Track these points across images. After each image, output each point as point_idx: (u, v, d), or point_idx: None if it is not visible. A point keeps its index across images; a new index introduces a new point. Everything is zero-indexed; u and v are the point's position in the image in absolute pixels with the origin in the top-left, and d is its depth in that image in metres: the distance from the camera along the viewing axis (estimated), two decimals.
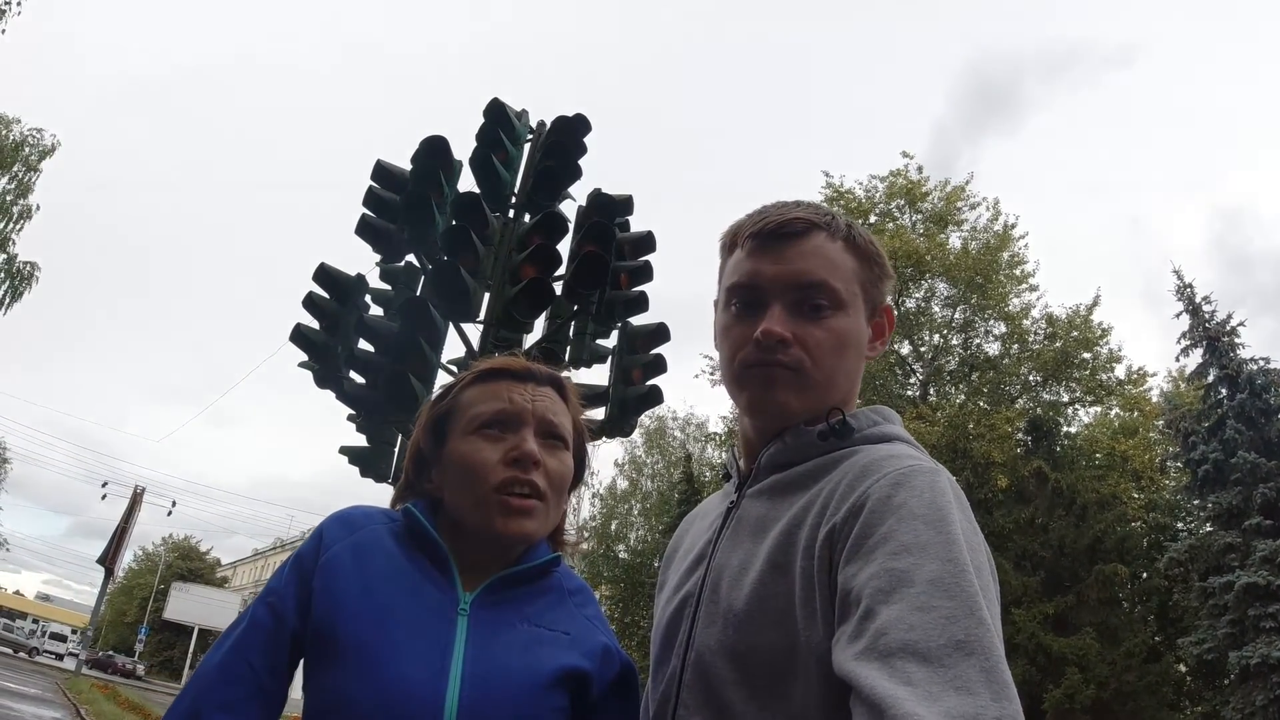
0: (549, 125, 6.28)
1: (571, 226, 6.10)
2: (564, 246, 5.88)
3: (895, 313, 1.29)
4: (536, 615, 1.19)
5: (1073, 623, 17.41)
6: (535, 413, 1.22)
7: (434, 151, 5.71)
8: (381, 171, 5.84)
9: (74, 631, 49.69)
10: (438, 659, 1.09)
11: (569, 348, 6.30)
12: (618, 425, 6.03)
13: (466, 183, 5.99)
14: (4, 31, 14.30)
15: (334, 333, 5.63)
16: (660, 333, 6.11)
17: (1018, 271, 21.82)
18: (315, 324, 5.66)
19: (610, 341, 6.31)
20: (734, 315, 1.18)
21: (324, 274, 5.68)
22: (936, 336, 22.67)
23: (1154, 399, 21.40)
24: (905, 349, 22.44)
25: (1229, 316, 17.70)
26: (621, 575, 27.54)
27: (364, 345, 5.63)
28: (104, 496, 35.95)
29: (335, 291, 5.71)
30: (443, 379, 5.42)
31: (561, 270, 5.77)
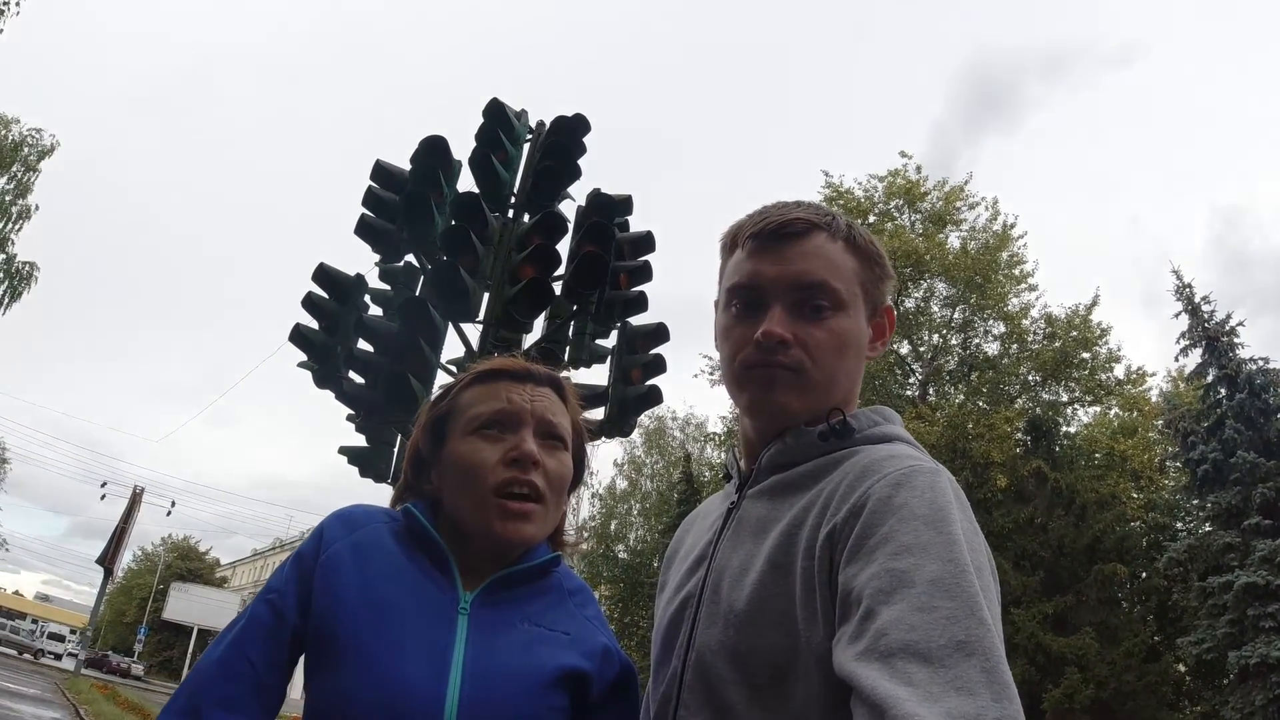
0: (548, 125, 6.28)
1: (571, 226, 6.09)
2: (563, 246, 5.88)
3: (895, 313, 1.29)
4: (537, 615, 1.19)
5: (1072, 622, 17.41)
6: (534, 413, 1.22)
7: (433, 151, 5.70)
8: (381, 171, 5.84)
9: (73, 631, 49.69)
10: (438, 658, 1.09)
11: (568, 348, 6.30)
12: (617, 425, 6.03)
13: (466, 183, 5.99)
14: (1, 31, 14.29)
15: (333, 333, 5.63)
16: (659, 333, 6.11)
17: (1017, 271, 21.82)
18: (314, 324, 5.66)
19: (609, 341, 6.32)
20: (734, 316, 1.18)
21: (323, 274, 5.68)
22: (935, 336, 22.67)
23: (1153, 399, 21.40)
24: (904, 349, 22.44)
25: (1228, 316, 17.71)
26: (621, 575, 27.53)
27: (363, 345, 5.63)
28: (103, 496, 35.99)
29: (334, 291, 5.71)
30: (442, 379, 5.42)
31: (561, 270, 5.77)
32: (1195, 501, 17.87)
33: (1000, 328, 21.90)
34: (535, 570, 1.21)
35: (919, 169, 22.36)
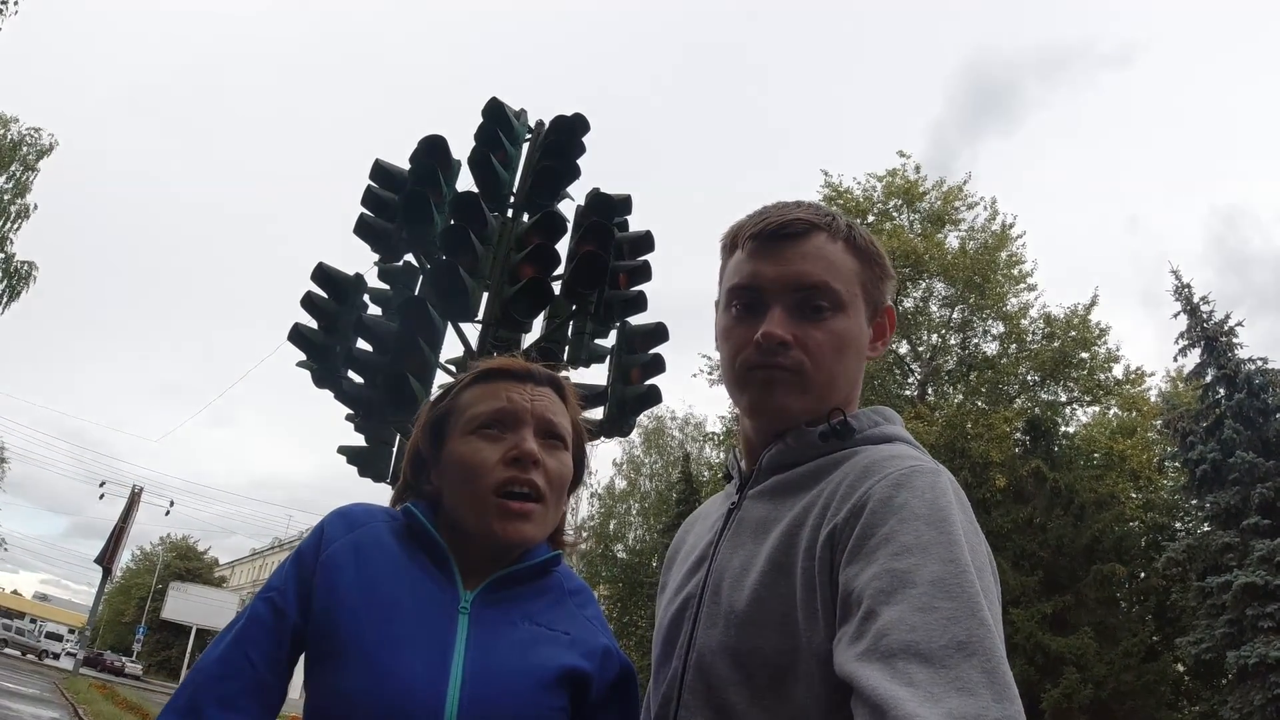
0: (548, 125, 6.27)
1: (570, 226, 6.09)
2: (563, 246, 5.88)
3: (896, 313, 1.29)
4: (537, 614, 1.19)
5: (1071, 622, 17.41)
6: (534, 412, 1.22)
7: (432, 151, 5.70)
8: (380, 171, 5.83)
9: (71, 631, 49.66)
10: (438, 657, 1.08)
11: (568, 347, 6.29)
12: (616, 425, 6.02)
13: (465, 182, 5.99)
14: (0, 30, 14.28)
15: (332, 332, 5.62)
16: (659, 332, 6.11)
17: (1015, 271, 21.83)
18: (314, 323, 5.65)
19: (609, 341, 6.31)
20: (735, 317, 1.18)
21: (322, 273, 5.68)
22: (934, 336, 22.68)
23: (1152, 399, 21.44)
24: (903, 349, 22.45)
25: (1227, 316, 17.74)
26: (620, 575, 27.56)
27: (362, 345, 5.62)
28: (102, 496, 36.02)
29: (333, 291, 5.70)
30: (441, 379, 5.42)
31: (560, 270, 5.76)
32: (1194, 501, 17.91)
33: (999, 328, 21.93)
34: (535, 569, 1.21)
35: (918, 169, 22.42)
